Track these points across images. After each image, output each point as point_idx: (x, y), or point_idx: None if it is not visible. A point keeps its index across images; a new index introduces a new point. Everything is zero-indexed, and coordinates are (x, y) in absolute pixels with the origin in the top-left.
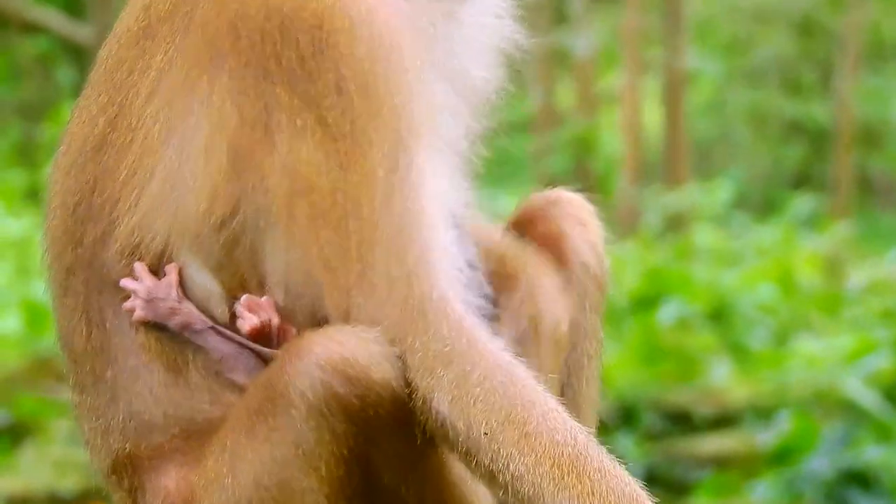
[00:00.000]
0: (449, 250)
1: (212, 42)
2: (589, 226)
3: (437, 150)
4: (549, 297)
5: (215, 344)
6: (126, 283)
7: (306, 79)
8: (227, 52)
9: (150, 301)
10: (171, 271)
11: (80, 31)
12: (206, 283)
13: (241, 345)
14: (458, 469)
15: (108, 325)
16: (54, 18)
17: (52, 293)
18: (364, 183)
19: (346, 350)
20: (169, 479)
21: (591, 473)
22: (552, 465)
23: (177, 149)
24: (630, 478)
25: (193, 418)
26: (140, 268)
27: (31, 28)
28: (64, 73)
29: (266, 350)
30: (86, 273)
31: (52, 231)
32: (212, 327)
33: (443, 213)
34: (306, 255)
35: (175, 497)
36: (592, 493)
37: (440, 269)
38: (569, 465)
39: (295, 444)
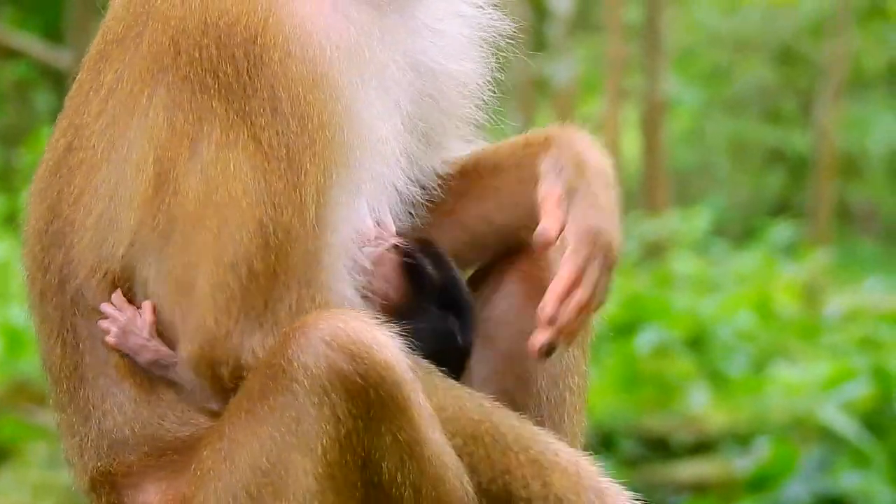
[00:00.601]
0: (345, 280)
1: (155, 58)
2: None
3: (362, 177)
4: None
5: (185, 376)
6: (106, 308)
7: (242, 94)
8: (167, 67)
9: (124, 332)
10: (146, 310)
11: (59, 57)
12: (157, 288)
13: None
14: (453, 459)
15: (80, 345)
16: (34, 44)
17: (32, 317)
18: (290, 205)
19: (350, 329)
20: (148, 496)
21: None
22: None
23: (116, 165)
24: None
25: (163, 437)
26: (118, 298)
27: (11, 54)
28: (43, 99)
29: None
30: (56, 297)
31: (25, 257)
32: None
33: (351, 240)
34: (196, 260)
35: None
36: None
37: (338, 298)
38: None
39: (295, 421)
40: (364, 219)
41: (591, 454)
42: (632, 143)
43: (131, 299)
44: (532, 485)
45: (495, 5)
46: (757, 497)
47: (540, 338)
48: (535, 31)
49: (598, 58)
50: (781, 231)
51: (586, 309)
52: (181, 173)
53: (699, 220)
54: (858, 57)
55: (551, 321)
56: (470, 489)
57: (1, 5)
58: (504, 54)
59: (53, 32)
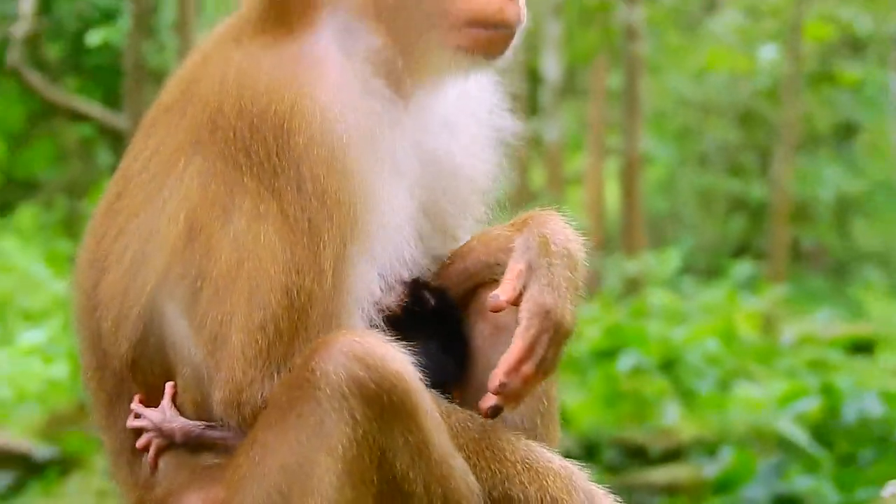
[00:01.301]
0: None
1: (195, 131)
2: None
3: (376, 251)
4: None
5: (212, 435)
6: (133, 423)
7: (271, 172)
8: (205, 141)
9: (159, 429)
10: (167, 391)
11: (116, 120)
12: (186, 341)
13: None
14: (460, 462)
15: (113, 369)
16: (95, 109)
17: (76, 338)
18: (315, 275)
19: (366, 343)
20: (191, 503)
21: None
22: None
23: (152, 215)
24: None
25: (203, 464)
26: (137, 405)
27: (76, 116)
28: (103, 155)
29: None
30: (90, 321)
31: (74, 283)
32: (206, 426)
33: (366, 304)
34: (228, 317)
35: None
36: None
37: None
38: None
39: (319, 424)
40: (376, 283)
41: (577, 461)
42: (612, 193)
43: (151, 343)
44: (529, 489)
45: (507, 108)
46: (721, 498)
47: (488, 402)
48: (530, 97)
49: (583, 119)
50: (742, 269)
51: (533, 380)
52: (215, 237)
53: (671, 260)
54: (809, 118)
55: (499, 390)
56: (475, 488)
57: (66, 75)
58: (512, 156)
59: (112, 99)
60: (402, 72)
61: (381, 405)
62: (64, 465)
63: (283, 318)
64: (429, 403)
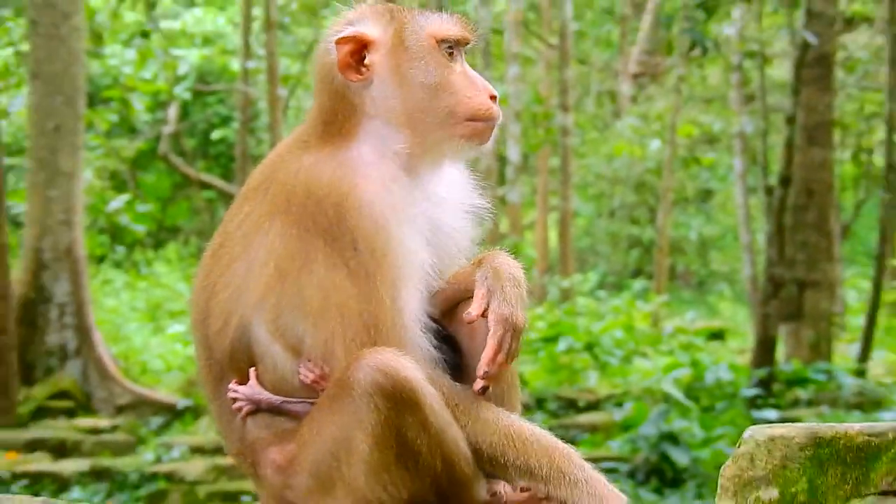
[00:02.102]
0: (418, 338)
1: (275, 204)
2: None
3: (413, 281)
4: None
5: (288, 408)
6: (231, 392)
7: (334, 237)
8: (283, 212)
9: (249, 399)
10: (252, 375)
11: (230, 188)
12: (269, 343)
13: (302, 402)
14: (454, 431)
15: (217, 360)
16: (216, 181)
17: (193, 338)
18: (377, 304)
19: (385, 359)
20: (274, 454)
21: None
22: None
23: (246, 261)
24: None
25: (280, 427)
26: (233, 384)
27: (204, 186)
28: (221, 211)
29: (314, 400)
30: (200, 327)
31: (190, 302)
32: (283, 401)
33: (417, 317)
34: (331, 337)
35: (281, 461)
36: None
37: (412, 349)
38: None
39: (354, 412)
40: (421, 304)
41: (531, 410)
42: (553, 236)
43: (244, 343)
44: (542, 462)
45: (478, 185)
46: (625, 434)
47: (478, 385)
48: (499, 172)
49: (534, 187)
50: (638, 285)
51: (504, 365)
52: (303, 281)
53: (591, 279)
54: (681, 186)
55: (485, 376)
56: (465, 448)
57: (198, 159)
58: (484, 218)
59: (228, 174)
60: (417, 161)
61: (395, 399)
62: (196, 412)
63: (364, 335)
64: (429, 395)
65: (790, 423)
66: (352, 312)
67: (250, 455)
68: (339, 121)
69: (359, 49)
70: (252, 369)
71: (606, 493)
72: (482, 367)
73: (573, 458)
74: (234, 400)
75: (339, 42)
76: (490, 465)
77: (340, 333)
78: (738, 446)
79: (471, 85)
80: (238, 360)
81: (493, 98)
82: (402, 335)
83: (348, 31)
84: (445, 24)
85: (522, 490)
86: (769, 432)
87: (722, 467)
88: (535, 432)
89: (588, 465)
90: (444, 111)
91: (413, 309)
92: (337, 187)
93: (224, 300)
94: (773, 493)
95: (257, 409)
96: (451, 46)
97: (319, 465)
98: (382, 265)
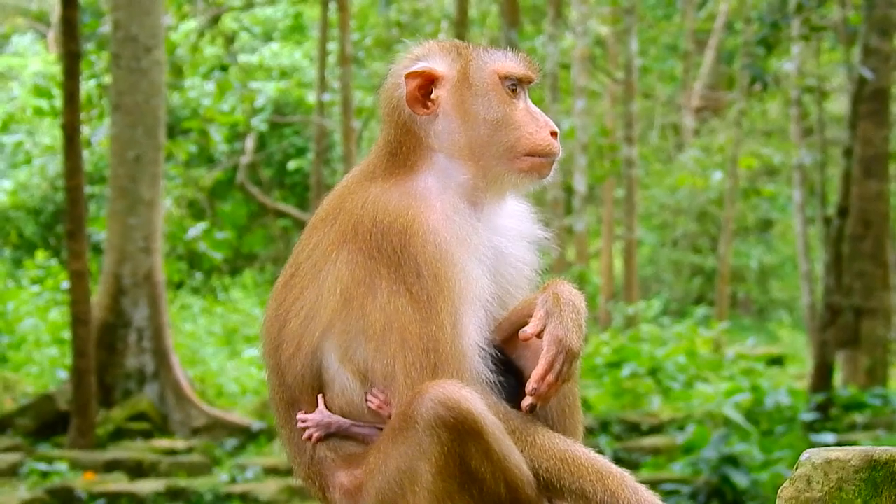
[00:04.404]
0: (477, 364)
1: (343, 234)
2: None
3: (474, 308)
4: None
5: (356, 431)
6: (301, 422)
7: (398, 263)
8: (350, 240)
9: (318, 425)
10: (320, 401)
11: (305, 216)
12: (337, 368)
13: (370, 426)
14: (516, 457)
15: (288, 386)
16: (292, 209)
17: (265, 367)
18: (438, 329)
19: (447, 391)
20: (342, 478)
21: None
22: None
23: (315, 289)
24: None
25: (348, 451)
26: (301, 414)
27: (279, 214)
28: (296, 239)
29: (382, 425)
30: (273, 356)
31: (262, 331)
32: (352, 424)
33: (477, 343)
34: (392, 361)
35: (349, 486)
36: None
37: (471, 374)
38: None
39: (417, 444)
40: (481, 331)
41: (596, 433)
42: (618, 264)
43: (314, 368)
44: (597, 486)
45: (541, 217)
46: (687, 457)
47: (526, 401)
48: (566, 202)
49: (599, 217)
50: (700, 312)
51: (555, 386)
52: (368, 307)
53: (654, 306)
54: (742, 216)
55: (532, 392)
56: (528, 473)
57: (274, 188)
58: (546, 249)
59: (303, 203)
60: (480, 193)
61: (458, 430)
62: (270, 434)
63: (424, 359)
64: (491, 423)
65: (846, 447)
66: (412, 337)
67: (319, 478)
68: (404, 153)
69: (426, 84)
70: (320, 396)
71: None
72: (531, 384)
73: (626, 481)
74: (304, 429)
75: (407, 77)
76: (546, 490)
77: (401, 357)
78: (796, 468)
79: (532, 121)
80: (308, 386)
81: (553, 134)
82: (460, 360)
83: (417, 67)
84: (509, 62)
85: None
86: (826, 455)
87: (780, 489)
88: (589, 456)
89: (642, 488)
90: (505, 146)
91: (472, 335)
92: (402, 215)
93: (295, 328)
94: None
95: (327, 433)
96: (515, 84)
97: (385, 493)
98: (444, 291)
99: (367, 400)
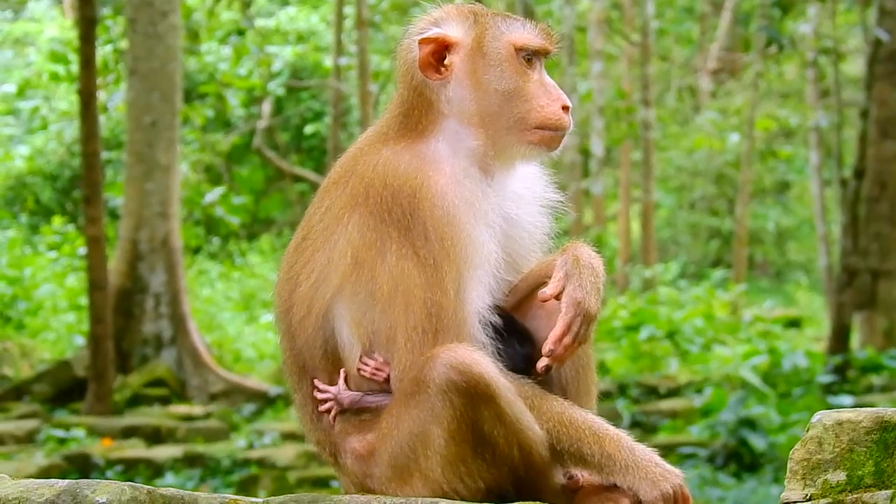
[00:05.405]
0: (477, 331)
1: (354, 197)
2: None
3: (479, 273)
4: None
5: (367, 401)
6: (319, 395)
7: (407, 226)
8: (361, 203)
9: (336, 399)
10: (340, 376)
11: (322, 180)
12: (348, 331)
13: (381, 392)
14: (527, 419)
15: (299, 350)
16: (309, 173)
17: (277, 329)
18: (442, 293)
19: (458, 355)
20: (354, 444)
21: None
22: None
23: (327, 251)
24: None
25: (360, 417)
26: (319, 384)
27: (297, 179)
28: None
29: (389, 390)
30: (284, 319)
31: (275, 293)
32: (363, 394)
33: (479, 310)
34: (394, 324)
35: (361, 451)
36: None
37: (470, 341)
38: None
39: (430, 408)
40: (484, 297)
41: (610, 398)
42: (635, 227)
43: (325, 331)
44: (594, 448)
45: (553, 180)
46: (705, 420)
47: (542, 363)
48: (583, 165)
49: (616, 179)
50: (717, 274)
51: (571, 348)
52: (377, 270)
53: (672, 269)
54: (759, 178)
55: (549, 354)
56: (540, 434)
57: (291, 152)
58: (560, 212)
59: (320, 167)
60: (490, 160)
61: (470, 394)
62: (287, 400)
63: (427, 323)
64: (503, 387)
65: (858, 409)
66: (416, 301)
67: (331, 444)
68: (416, 116)
69: (440, 49)
70: (342, 370)
71: (659, 474)
72: (547, 345)
73: (623, 442)
74: (322, 401)
75: (421, 42)
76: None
77: (403, 321)
78: (807, 430)
79: (545, 94)
80: (320, 349)
81: (565, 108)
82: (461, 327)
83: (431, 32)
84: (527, 34)
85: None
86: (837, 416)
87: (791, 451)
88: (586, 418)
89: (639, 447)
90: (515, 117)
91: (476, 301)
92: (412, 179)
93: (306, 290)
94: (841, 475)
95: (342, 409)
96: (530, 55)
97: (398, 457)
98: (450, 255)
99: (359, 369)
